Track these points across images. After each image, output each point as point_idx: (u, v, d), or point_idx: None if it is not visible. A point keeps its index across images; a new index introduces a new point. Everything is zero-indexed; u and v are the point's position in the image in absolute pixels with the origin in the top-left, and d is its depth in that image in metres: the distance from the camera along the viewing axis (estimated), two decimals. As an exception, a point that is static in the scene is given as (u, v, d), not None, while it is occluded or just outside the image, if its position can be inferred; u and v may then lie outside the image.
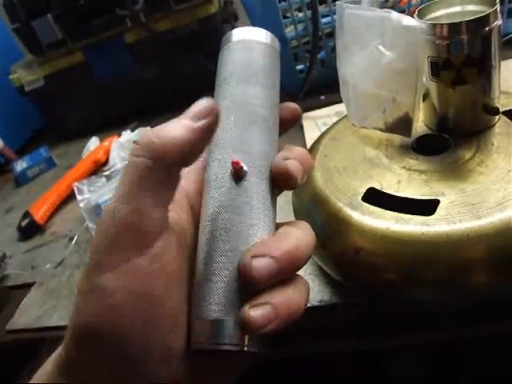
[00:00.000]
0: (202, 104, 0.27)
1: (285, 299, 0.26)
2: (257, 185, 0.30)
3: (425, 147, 0.45)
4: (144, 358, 0.26)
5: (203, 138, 0.27)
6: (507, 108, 0.46)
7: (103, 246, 0.26)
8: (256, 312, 0.25)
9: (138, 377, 0.26)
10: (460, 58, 0.41)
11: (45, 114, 1.06)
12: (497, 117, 0.45)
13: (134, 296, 0.25)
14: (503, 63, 0.68)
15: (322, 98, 0.80)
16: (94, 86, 0.99)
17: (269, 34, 0.35)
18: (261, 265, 0.26)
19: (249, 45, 0.34)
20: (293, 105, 0.35)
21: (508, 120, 0.45)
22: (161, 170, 0.26)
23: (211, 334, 0.26)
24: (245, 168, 0.29)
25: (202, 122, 0.27)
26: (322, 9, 0.76)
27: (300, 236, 0.28)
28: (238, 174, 0.29)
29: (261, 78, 0.33)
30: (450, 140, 0.45)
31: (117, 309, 0.25)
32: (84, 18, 0.91)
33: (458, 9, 0.44)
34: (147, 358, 0.26)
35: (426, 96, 0.46)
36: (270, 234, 0.29)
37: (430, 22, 0.41)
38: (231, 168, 0.29)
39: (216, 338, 0.26)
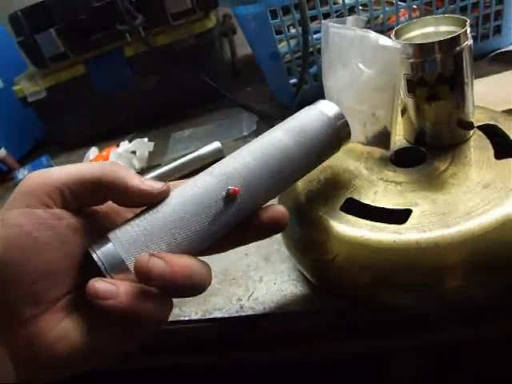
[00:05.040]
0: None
1: (138, 299, 0.30)
2: (232, 212, 0.35)
3: (403, 160, 0.48)
4: (14, 290, 0.29)
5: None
6: (482, 123, 0.48)
7: (20, 194, 0.31)
8: (105, 283, 0.29)
9: (5, 306, 0.30)
10: (433, 75, 0.43)
11: (47, 124, 1.09)
12: (472, 131, 0.47)
13: (25, 234, 0.30)
14: (489, 78, 0.71)
15: (315, 111, 0.82)
16: (95, 97, 1.02)
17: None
18: (156, 262, 0.30)
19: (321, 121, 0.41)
20: (280, 208, 0.37)
21: (482, 134, 0.47)
22: None
23: (102, 250, 0.31)
24: (239, 197, 0.35)
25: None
26: (314, 25, 0.78)
27: (201, 270, 0.33)
28: (230, 197, 0.34)
29: (302, 139, 0.39)
30: (426, 153, 0.47)
31: (8, 239, 0.29)
32: (85, 33, 0.94)
33: (431, 29, 0.46)
34: (16, 290, 0.30)
35: (404, 111, 0.48)
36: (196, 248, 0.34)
37: (405, 42, 0.43)
38: (230, 191, 0.34)
39: (100, 254, 0.31)
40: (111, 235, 0.32)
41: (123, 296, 0.29)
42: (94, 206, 0.35)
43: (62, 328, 0.30)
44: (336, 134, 0.41)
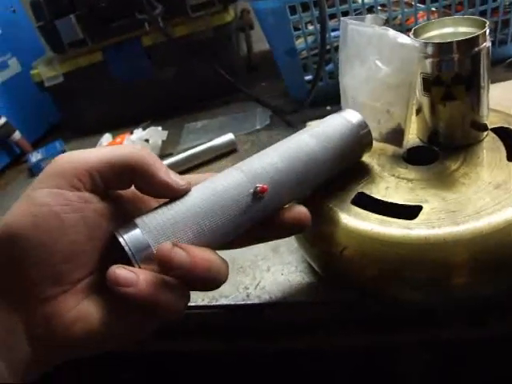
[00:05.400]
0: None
1: (157, 288, 0.30)
2: (258, 209, 0.36)
3: (415, 158, 0.48)
4: (37, 269, 0.30)
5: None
6: (496, 125, 0.49)
7: (50, 174, 0.32)
8: (126, 271, 0.30)
9: (27, 283, 0.30)
10: (449, 75, 0.43)
11: (62, 109, 1.10)
12: (485, 133, 0.48)
13: (54, 215, 0.30)
14: (505, 83, 0.71)
15: (328, 108, 0.83)
16: (111, 85, 1.03)
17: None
18: (178, 252, 0.31)
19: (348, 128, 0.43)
20: (303, 209, 0.38)
21: (496, 136, 0.48)
22: None
23: (129, 235, 0.32)
24: (265, 195, 0.36)
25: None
26: (332, 23, 0.79)
27: (220, 265, 0.33)
28: (258, 195, 0.36)
29: (330, 144, 0.42)
30: (438, 152, 0.47)
31: (37, 219, 0.30)
32: (105, 20, 0.95)
33: (450, 30, 0.47)
34: (39, 269, 0.30)
35: (419, 110, 0.49)
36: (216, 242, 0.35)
37: (423, 41, 0.44)
38: (258, 189, 0.35)
39: (127, 239, 0.32)
40: (138, 221, 0.33)
41: (143, 284, 0.30)
42: (119, 190, 0.36)
43: (80, 309, 0.31)
44: (359, 142, 0.44)
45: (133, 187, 0.35)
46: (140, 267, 0.31)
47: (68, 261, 0.31)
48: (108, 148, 0.34)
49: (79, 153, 0.33)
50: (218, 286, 0.34)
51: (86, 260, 0.32)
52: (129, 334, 0.33)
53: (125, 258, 0.31)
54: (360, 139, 0.44)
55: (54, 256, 0.30)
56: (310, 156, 0.40)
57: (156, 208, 0.34)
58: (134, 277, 0.30)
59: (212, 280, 0.33)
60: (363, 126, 0.44)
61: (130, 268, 0.30)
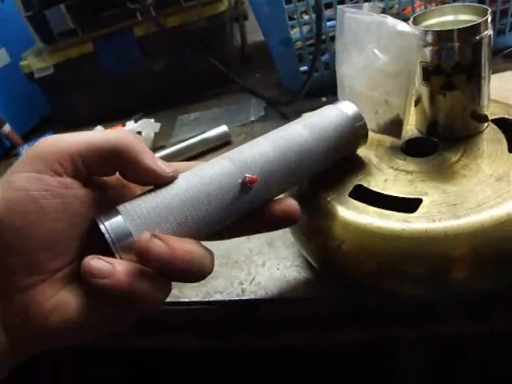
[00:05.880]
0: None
1: (135, 279, 0.29)
2: (246, 200, 0.35)
3: (414, 149, 0.47)
4: (14, 256, 0.29)
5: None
6: (497, 116, 0.48)
7: (30, 158, 0.30)
8: (101, 261, 0.29)
9: (3, 271, 0.29)
10: (450, 64, 0.42)
11: (53, 101, 1.08)
12: (485, 124, 0.47)
13: (30, 199, 0.29)
14: (504, 74, 0.70)
15: (324, 99, 0.82)
16: (103, 76, 1.01)
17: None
18: (156, 243, 0.29)
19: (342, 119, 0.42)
20: (293, 203, 0.37)
21: (496, 128, 0.47)
22: None
23: (111, 222, 0.31)
24: (254, 186, 0.35)
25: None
26: (328, 12, 0.77)
27: (204, 257, 0.32)
28: (246, 185, 0.34)
29: (319, 134, 0.40)
30: (438, 143, 0.46)
31: (11, 202, 0.29)
32: (96, 10, 0.93)
33: (450, 18, 0.45)
34: (16, 256, 0.29)
35: (418, 101, 0.48)
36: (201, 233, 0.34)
37: (423, 29, 0.42)
38: (247, 179, 0.34)
39: (108, 225, 0.30)
40: (121, 208, 0.31)
41: (120, 275, 0.29)
42: (103, 177, 0.35)
43: (58, 299, 0.30)
44: (354, 134, 0.43)
45: (117, 173, 0.34)
46: (120, 255, 0.30)
47: (46, 248, 0.29)
48: (95, 133, 0.32)
49: (62, 136, 0.32)
50: (201, 278, 0.32)
51: (66, 248, 0.31)
52: (107, 324, 0.32)
53: (105, 246, 0.30)
54: (355, 131, 0.42)
55: (31, 242, 0.29)
56: (303, 147, 0.39)
57: (140, 195, 0.33)
58: (109, 268, 0.29)
59: (194, 272, 0.31)
60: (359, 118, 0.43)
61: (106, 258, 0.29)
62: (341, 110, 0.43)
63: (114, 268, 0.29)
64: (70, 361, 0.69)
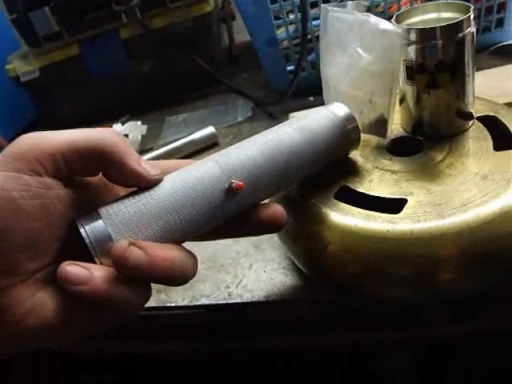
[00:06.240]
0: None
1: (113, 285, 0.29)
2: (232, 205, 0.34)
3: (399, 149, 0.47)
4: None
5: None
6: (482, 114, 0.47)
7: (9, 156, 0.29)
8: (78, 267, 0.28)
9: None
10: (433, 62, 0.42)
11: (39, 104, 1.07)
12: (471, 122, 0.46)
13: (8, 200, 0.28)
14: (489, 71, 0.70)
15: (311, 99, 0.81)
16: (89, 79, 1.00)
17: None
18: (134, 251, 0.29)
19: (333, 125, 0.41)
20: (280, 208, 0.36)
21: (481, 125, 0.46)
22: None
23: (91, 226, 0.30)
24: (241, 191, 0.34)
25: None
26: (313, 11, 0.77)
27: (185, 262, 0.31)
28: (232, 191, 0.33)
29: (308, 136, 0.39)
30: (423, 142, 0.46)
31: None
32: (80, 12, 0.92)
33: (433, 15, 0.45)
34: None
35: (402, 100, 0.47)
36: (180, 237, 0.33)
37: (406, 27, 0.42)
38: (234, 185, 0.33)
39: (89, 229, 0.30)
40: (102, 211, 0.31)
41: (98, 281, 0.28)
42: (85, 177, 0.34)
43: (36, 300, 0.29)
44: (346, 136, 0.41)
45: (101, 175, 0.33)
46: (100, 260, 0.29)
47: (25, 249, 0.29)
48: (77, 130, 0.31)
49: (44, 134, 0.31)
50: (183, 283, 0.32)
51: (45, 249, 0.30)
52: (85, 327, 0.31)
53: (85, 249, 0.29)
54: (347, 134, 0.42)
55: (9, 243, 0.28)
56: (293, 150, 0.38)
57: (123, 197, 0.32)
58: (86, 274, 0.28)
59: (175, 278, 0.31)
60: (351, 120, 0.42)
61: (84, 264, 0.29)
62: (333, 112, 0.42)
63: (91, 274, 0.28)
64: (47, 365, 0.68)
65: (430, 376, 0.56)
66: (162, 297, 0.49)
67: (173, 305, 0.48)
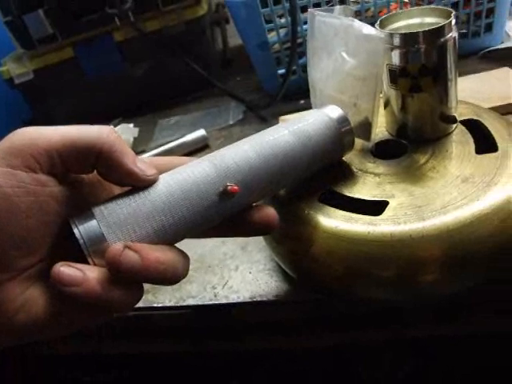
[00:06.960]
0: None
1: (106, 286, 0.29)
2: (226, 207, 0.34)
3: (384, 152, 0.47)
4: None
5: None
6: (465, 117, 0.48)
7: (3, 151, 0.29)
8: (72, 269, 0.28)
9: None
10: (416, 66, 0.42)
11: (33, 107, 1.07)
12: (454, 125, 0.47)
13: (2, 196, 0.28)
14: (478, 75, 0.70)
15: (302, 102, 0.82)
16: (83, 81, 1.00)
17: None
18: (129, 254, 0.29)
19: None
20: (272, 211, 0.36)
21: (464, 129, 0.47)
22: None
23: (85, 226, 0.30)
24: (235, 195, 0.34)
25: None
26: (304, 15, 0.77)
27: (178, 264, 0.32)
28: (227, 195, 0.34)
29: (303, 139, 0.39)
30: (407, 145, 0.46)
31: None
32: (75, 15, 0.92)
33: (417, 20, 0.46)
34: None
35: (387, 103, 0.48)
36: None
37: (389, 32, 0.42)
38: (229, 188, 0.33)
39: (82, 229, 0.30)
40: (96, 211, 0.31)
41: (91, 282, 0.28)
42: (80, 174, 0.33)
43: (25, 297, 0.29)
44: (340, 138, 0.42)
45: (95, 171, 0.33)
46: (93, 260, 0.30)
47: (18, 246, 0.29)
48: (74, 127, 0.31)
49: (39, 129, 0.30)
50: (174, 283, 0.32)
51: (38, 246, 0.30)
52: (75, 324, 0.31)
53: (79, 248, 0.29)
54: (341, 137, 0.42)
55: (2, 239, 0.28)
56: (288, 152, 0.38)
57: (117, 197, 0.32)
58: (79, 275, 0.28)
59: (168, 279, 0.31)
60: (345, 123, 0.42)
61: (77, 265, 0.29)
62: (327, 115, 0.42)
63: (84, 275, 0.28)
64: (38, 364, 0.68)
65: (411, 377, 0.57)
66: (149, 297, 0.49)
67: (160, 305, 0.49)
